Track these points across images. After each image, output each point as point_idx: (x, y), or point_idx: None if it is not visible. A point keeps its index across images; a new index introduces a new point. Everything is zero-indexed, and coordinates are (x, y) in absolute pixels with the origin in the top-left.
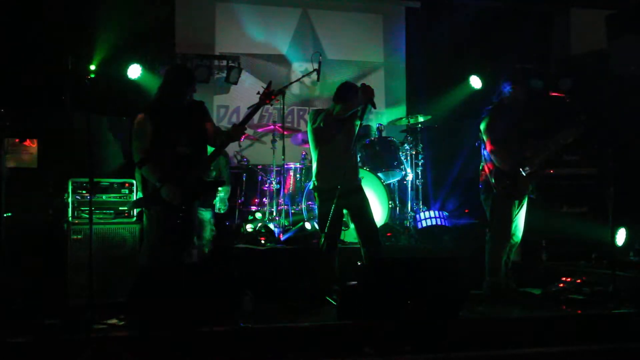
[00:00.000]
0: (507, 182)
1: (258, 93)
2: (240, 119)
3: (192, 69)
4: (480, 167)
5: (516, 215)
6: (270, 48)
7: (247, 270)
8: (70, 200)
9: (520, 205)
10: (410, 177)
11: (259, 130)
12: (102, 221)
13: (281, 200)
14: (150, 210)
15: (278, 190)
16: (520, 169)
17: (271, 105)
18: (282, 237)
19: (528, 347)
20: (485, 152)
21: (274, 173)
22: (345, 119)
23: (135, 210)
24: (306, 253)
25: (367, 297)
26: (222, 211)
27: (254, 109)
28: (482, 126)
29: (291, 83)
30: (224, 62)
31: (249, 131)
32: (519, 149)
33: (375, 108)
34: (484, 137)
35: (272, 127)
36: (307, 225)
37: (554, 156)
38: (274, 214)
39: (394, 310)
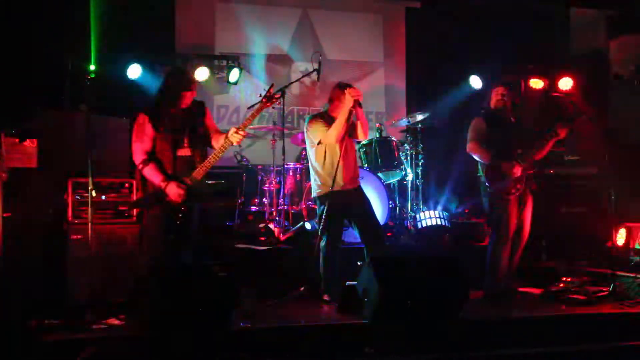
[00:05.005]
0: (496, 180)
1: (260, 95)
2: (241, 119)
3: (192, 70)
4: (479, 168)
5: (520, 214)
6: (270, 48)
7: (247, 270)
8: (70, 200)
9: (522, 203)
10: (410, 177)
11: (259, 130)
12: (102, 221)
13: (281, 200)
14: (151, 211)
15: (278, 190)
16: (508, 165)
17: (272, 107)
18: (282, 237)
19: (528, 347)
20: None
21: (274, 173)
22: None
23: (134, 210)
24: (306, 253)
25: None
26: None
27: (255, 111)
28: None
29: (291, 83)
30: (224, 62)
31: (248, 131)
32: (510, 147)
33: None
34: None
35: (272, 127)
36: (307, 225)
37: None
38: (274, 214)
39: (394, 310)
